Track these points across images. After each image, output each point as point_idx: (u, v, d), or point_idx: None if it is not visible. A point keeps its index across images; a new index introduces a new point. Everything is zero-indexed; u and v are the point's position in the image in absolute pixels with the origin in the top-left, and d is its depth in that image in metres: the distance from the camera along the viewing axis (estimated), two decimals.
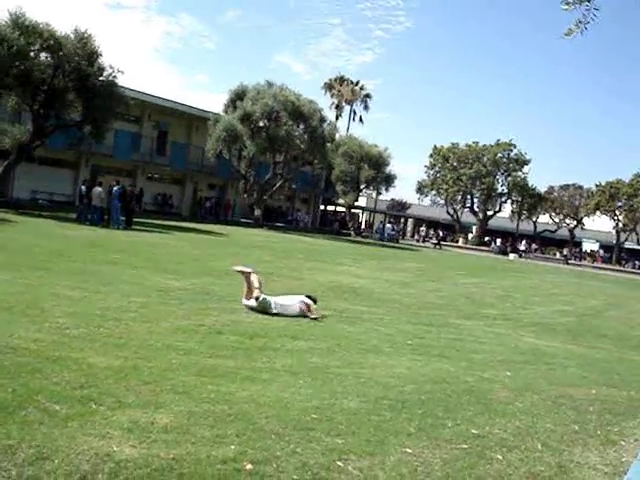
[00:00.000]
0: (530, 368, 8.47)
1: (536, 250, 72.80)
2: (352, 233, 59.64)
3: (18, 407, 4.58)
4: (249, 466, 3.99)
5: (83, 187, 29.45)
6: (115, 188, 28.38)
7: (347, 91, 75.14)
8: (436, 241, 61.59)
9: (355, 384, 6.39)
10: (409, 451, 4.64)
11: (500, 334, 11.42)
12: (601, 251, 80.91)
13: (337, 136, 52.76)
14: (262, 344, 7.78)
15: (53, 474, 3.57)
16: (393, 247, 47.51)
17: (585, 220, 76.62)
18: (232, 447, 4.28)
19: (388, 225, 63.05)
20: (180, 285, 12.41)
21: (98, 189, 28.07)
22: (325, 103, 75.36)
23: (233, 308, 10.21)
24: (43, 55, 29.64)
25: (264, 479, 3.85)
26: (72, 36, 29.71)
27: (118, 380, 5.58)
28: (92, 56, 30.15)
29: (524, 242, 69.94)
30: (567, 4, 4.77)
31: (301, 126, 44.61)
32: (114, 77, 31.35)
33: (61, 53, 28.97)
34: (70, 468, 3.67)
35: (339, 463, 4.24)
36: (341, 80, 76.14)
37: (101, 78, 30.70)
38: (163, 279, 13.00)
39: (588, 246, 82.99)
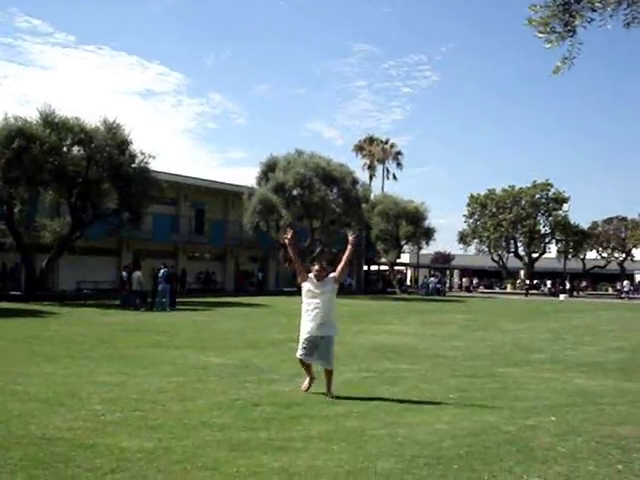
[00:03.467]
0: (577, 410, 8.22)
1: (587, 288, 71.34)
2: (397, 291, 59.33)
3: None
4: None
5: (124, 273, 29.96)
6: (162, 271, 28.86)
7: (378, 151, 75.79)
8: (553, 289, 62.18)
9: (391, 445, 6.27)
10: None
11: (547, 378, 11.13)
12: None
13: (372, 196, 53.09)
14: (298, 412, 7.70)
15: None
16: (439, 301, 47.03)
17: (634, 251, 74.99)
18: None
19: (432, 279, 62.53)
20: (221, 361, 12.44)
21: (137, 273, 28.52)
22: (358, 165, 76.11)
23: (272, 379, 10.16)
24: (75, 149, 30.76)
25: None
26: (102, 127, 30.77)
27: (149, 462, 5.56)
28: (123, 145, 31.16)
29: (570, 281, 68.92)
30: (549, 42, 4.78)
31: (334, 190, 45.00)
32: (146, 163, 32.30)
33: (92, 145, 30.02)
34: None
35: None
36: (371, 140, 76.90)
37: (133, 165, 31.67)
38: (204, 357, 13.06)
39: None
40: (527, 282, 68.67)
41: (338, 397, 8.65)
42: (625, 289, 65.12)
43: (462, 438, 6.57)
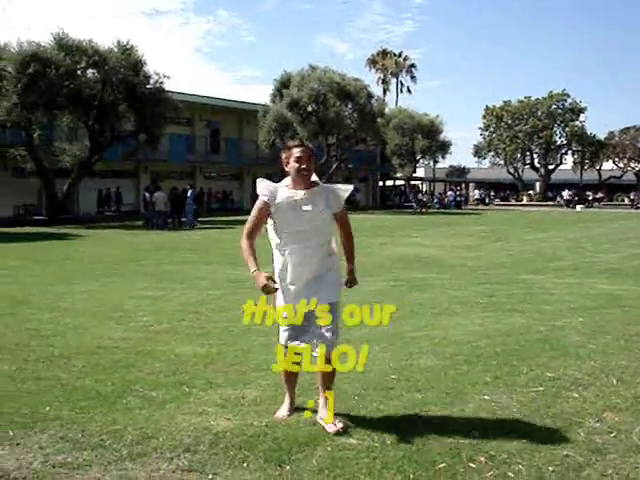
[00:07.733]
0: (603, 312, 8.49)
1: (603, 198, 71.05)
2: (414, 205, 59.41)
3: (119, 397, 4.97)
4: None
5: (146, 194, 30.30)
6: (190, 191, 29.84)
7: (391, 64, 74.66)
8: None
9: (430, 345, 6.61)
10: (487, 398, 4.85)
11: (571, 284, 11.41)
12: None
13: (387, 110, 52.52)
14: None
15: (159, 449, 3.91)
16: (457, 214, 47.22)
17: None
18: None
19: (450, 192, 62.34)
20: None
21: (161, 194, 28.90)
22: (371, 79, 75.27)
23: None
24: (90, 72, 30.65)
25: (352, 435, 4.12)
26: (115, 49, 30.54)
27: (206, 365, 5.93)
28: (137, 66, 30.99)
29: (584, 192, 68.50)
30: None
31: (349, 105, 44.57)
32: (161, 83, 32.25)
33: (107, 67, 29.85)
34: (174, 443, 4.01)
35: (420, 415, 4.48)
36: (384, 54, 75.68)
37: (148, 86, 31.57)
38: (235, 271, 13.44)
39: None
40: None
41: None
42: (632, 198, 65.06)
43: (496, 338, 6.89)
